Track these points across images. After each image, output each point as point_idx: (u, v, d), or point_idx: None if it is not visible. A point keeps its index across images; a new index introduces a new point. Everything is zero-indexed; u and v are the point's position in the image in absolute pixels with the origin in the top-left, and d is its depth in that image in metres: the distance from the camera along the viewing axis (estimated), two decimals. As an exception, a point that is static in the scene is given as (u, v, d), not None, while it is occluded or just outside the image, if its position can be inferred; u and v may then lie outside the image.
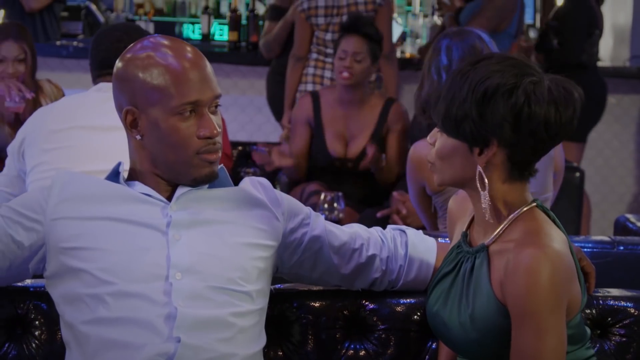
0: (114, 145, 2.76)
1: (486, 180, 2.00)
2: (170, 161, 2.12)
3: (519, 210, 2.02)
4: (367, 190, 4.62)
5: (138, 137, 2.14)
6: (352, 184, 4.62)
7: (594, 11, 6.21)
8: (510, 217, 2.02)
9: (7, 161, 3.16)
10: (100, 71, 3.22)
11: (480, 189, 2.01)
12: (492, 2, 5.62)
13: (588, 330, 2.12)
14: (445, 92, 2.01)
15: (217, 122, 2.12)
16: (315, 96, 4.78)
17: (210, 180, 2.15)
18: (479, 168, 2.00)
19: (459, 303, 2.05)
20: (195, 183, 2.14)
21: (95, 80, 3.25)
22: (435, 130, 2.08)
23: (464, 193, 2.14)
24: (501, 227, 2.03)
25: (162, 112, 2.09)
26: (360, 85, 4.62)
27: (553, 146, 2.02)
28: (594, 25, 6.13)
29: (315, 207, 3.86)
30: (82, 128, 3.01)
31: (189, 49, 2.14)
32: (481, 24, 4.92)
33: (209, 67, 2.14)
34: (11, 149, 3.13)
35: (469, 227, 2.13)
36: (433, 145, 2.08)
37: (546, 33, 6.21)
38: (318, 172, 4.72)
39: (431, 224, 3.45)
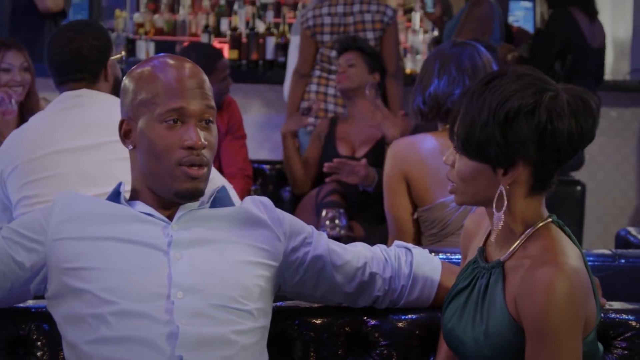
0: (103, 166, 2.69)
1: (505, 201, 1.99)
2: (155, 171, 2.12)
3: (534, 226, 2.01)
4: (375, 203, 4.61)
5: (130, 147, 2.16)
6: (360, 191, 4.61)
7: (575, 35, 5.86)
8: (526, 232, 2.01)
9: None
10: (61, 78, 3.08)
11: (495, 210, 2.00)
12: (470, 14, 5.63)
13: (601, 347, 2.11)
14: (463, 115, 1.99)
15: (206, 137, 2.12)
16: (333, 119, 4.88)
17: (193, 196, 2.14)
18: (501, 188, 1.99)
19: (473, 319, 2.03)
20: (178, 198, 2.13)
21: (59, 88, 3.10)
22: (452, 151, 2.05)
23: (481, 210, 2.13)
24: (517, 242, 2.02)
25: (149, 120, 2.11)
26: (360, 93, 4.66)
27: (574, 156, 2.01)
28: (570, 50, 5.85)
29: (334, 208, 3.90)
30: (64, 152, 2.88)
31: (187, 64, 2.16)
32: (467, 37, 4.90)
33: (204, 82, 2.15)
34: None
35: (485, 242, 2.12)
36: (451, 166, 2.06)
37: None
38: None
39: (401, 228, 3.35)
